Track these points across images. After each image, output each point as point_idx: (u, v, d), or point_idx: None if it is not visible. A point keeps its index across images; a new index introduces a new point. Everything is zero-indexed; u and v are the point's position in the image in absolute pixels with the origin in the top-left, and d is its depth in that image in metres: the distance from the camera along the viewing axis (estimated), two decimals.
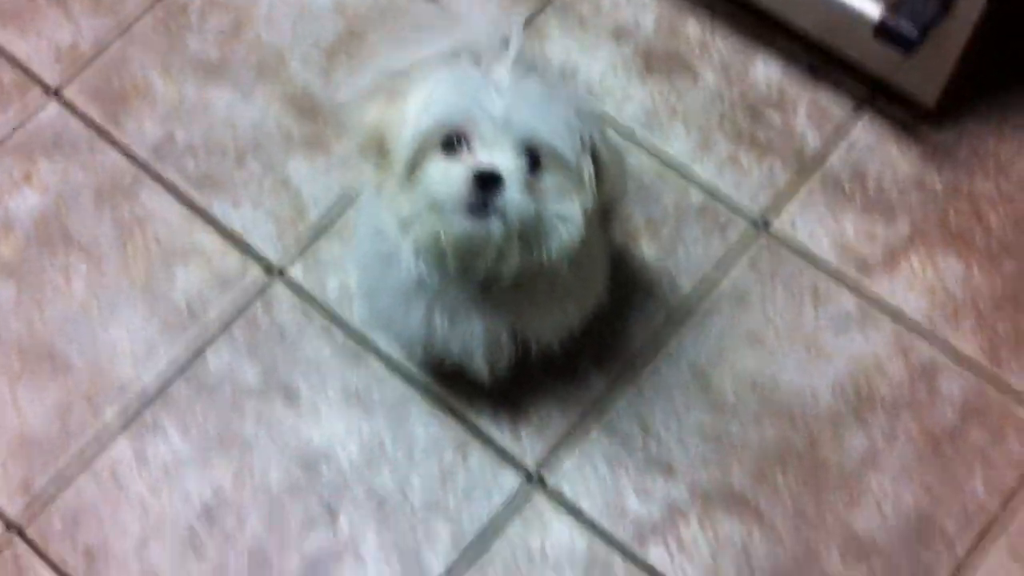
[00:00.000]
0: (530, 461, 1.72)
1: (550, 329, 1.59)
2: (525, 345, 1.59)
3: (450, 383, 1.77)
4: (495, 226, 1.28)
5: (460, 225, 1.30)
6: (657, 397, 1.75)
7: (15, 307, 1.88)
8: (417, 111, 1.33)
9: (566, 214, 1.35)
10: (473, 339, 1.52)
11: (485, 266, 1.36)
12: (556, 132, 1.31)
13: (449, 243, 1.32)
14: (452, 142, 1.31)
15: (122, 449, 1.77)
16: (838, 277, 1.83)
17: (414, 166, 1.34)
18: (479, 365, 1.58)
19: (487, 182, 1.26)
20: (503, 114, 1.27)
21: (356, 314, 1.83)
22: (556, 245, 1.36)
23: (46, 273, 1.90)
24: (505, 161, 1.28)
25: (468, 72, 1.36)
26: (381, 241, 1.44)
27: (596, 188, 1.37)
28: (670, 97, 1.99)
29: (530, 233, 1.32)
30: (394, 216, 1.37)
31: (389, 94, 1.40)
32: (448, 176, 1.30)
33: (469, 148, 1.31)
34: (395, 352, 1.80)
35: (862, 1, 1.78)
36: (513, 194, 1.27)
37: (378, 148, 1.39)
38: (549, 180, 1.32)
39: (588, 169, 1.36)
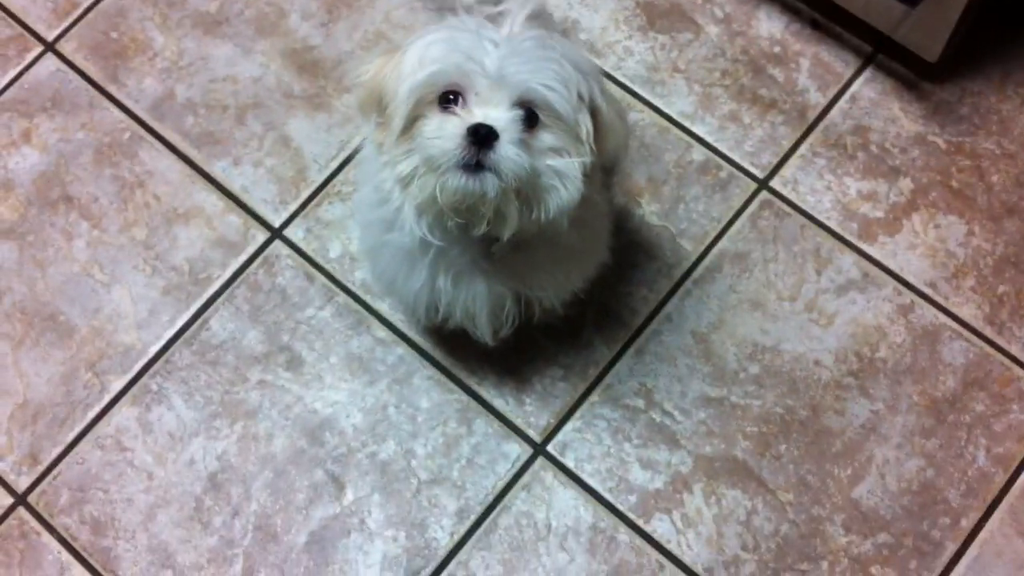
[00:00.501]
0: (534, 431, 1.56)
1: (553, 291, 1.43)
2: (529, 308, 1.43)
3: (453, 350, 1.60)
4: (490, 182, 1.15)
5: (455, 182, 1.15)
6: (659, 364, 1.58)
7: (17, 268, 1.69)
8: (412, 67, 1.18)
9: (564, 171, 1.19)
10: (476, 302, 1.37)
11: (484, 224, 1.21)
12: (551, 87, 1.16)
13: (445, 201, 1.17)
14: (448, 98, 1.17)
15: (126, 416, 1.60)
16: (840, 238, 1.65)
17: (411, 123, 1.19)
18: (482, 328, 1.42)
19: (481, 137, 1.13)
20: (497, 69, 1.15)
21: (358, 277, 1.64)
22: (554, 203, 1.20)
23: (47, 233, 1.71)
24: (500, 117, 1.15)
25: (463, 27, 1.20)
26: (382, 202, 1.29)
27: (596, 145, 1.21)
28: (672, 52, 1.78)
29: (527, 190, 1.18)
30: (394, 175, 1.22)
31: (387, 51, 1.25)
32: (443, 132, 1.16)
33: (465, 104, 1.16)
34: (398, 318, 1.61)
35: None
36: (508, 150, 1.14)
37: (378, 106, 1.24)
38: (546, 137, 1.18)
39: (586, 125, 1.20)
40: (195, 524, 1.53)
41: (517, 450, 1.55)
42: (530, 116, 1.17)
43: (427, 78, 1.17)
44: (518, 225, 1.21)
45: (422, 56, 1.18)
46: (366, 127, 1.34)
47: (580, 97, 1.19)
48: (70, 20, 1.85)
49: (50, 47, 1.83)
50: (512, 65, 1.15)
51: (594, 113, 1.21)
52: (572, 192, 1.20)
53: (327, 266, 1.67)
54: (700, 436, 1.54)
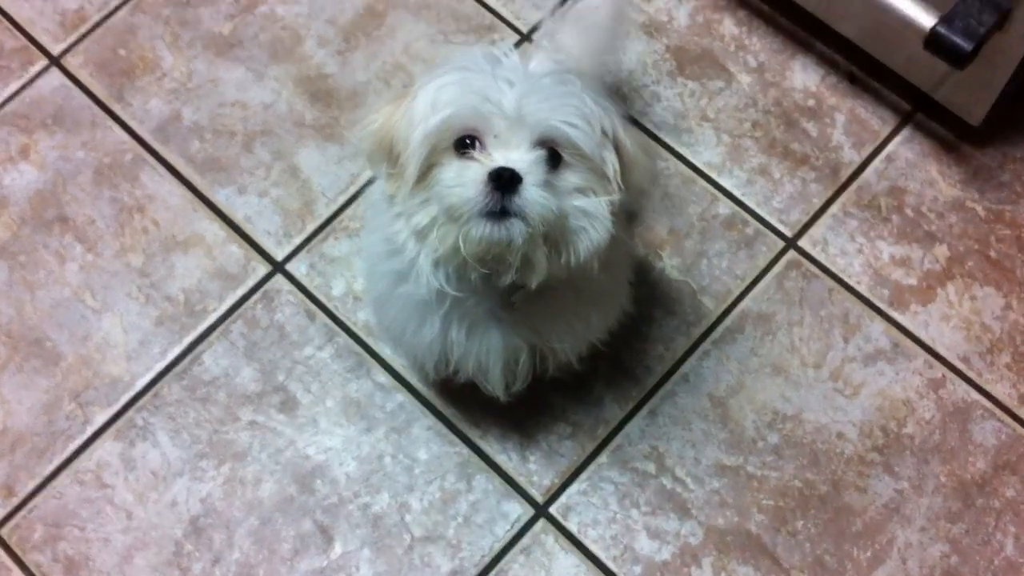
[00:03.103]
0: (537, 491, 1.52)
1: (571, 342, 1.37)
2: (543, 362, 1.38)
3: (456, 400, 1.56)
4: (516, 229, 1.11)
5: (479, 231, 1.11)
6: (673, 427, 1.54)
7: (6, 289, 1.67)
8: (424, 113, 1.14)
9: (592, 211, 1.16)
10: (490, 355, 1.32)
11: (510, 274, 1.16)
12: (573, 124, 1.12)
13: (469, 251, 1.13)
14: (465, 143, 1.13)
15: (108, 451, 1.57)
16: (870, 304, 1.61)
17: (426, 171, 1.15)
18: (495, 382, 1.37)
19: (504, 182, 1.10)
20: (515, 109, 1.11)
21: (361, 318, 1.61)
22: (584, 245, 1.16)
23: (39, 254, 1.69)
24: (522, 159, 1.11)
25: (477, 68, 1.16)
26: (393, 253, 1.25)
27: (622, 181, 1.18)
28: (701, 100, 1.75)
29: (555, 234, 1.14)
30: (409, 226, 1.18)
31: (395, 97, 1.22)
32: (462, 179, 1.12)
33: (483, 148, 1.13)
34: (399, 363, 1.58)
35: (914, 9, 1.53)
36: (533, 193, 1.10)
37: (388, 155, 1.20)
38: (571, 176, 1.15)
39: (612, 162, 1.17)
40: (173, 570, 1.49)
41: (518, 510, 1.51)
42: (553, 156, 1.14)
43: (441, 123, 1.13)
44: (547, 271, 1.17)
45: (434, 100, 1.15)
46: (374, 175, 1.32)
47: (604, 133, 1.16)
48: (78, 35, 1.83)
49: (55, 61, 1.81)
50: (531, 103, 1.12)
51: (617, 148, 1.18)
52: (601, 233, 1.16)
53: (329, 304, 1.63)
54: (713, 506, 1.50)
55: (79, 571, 1.50)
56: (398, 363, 1.59)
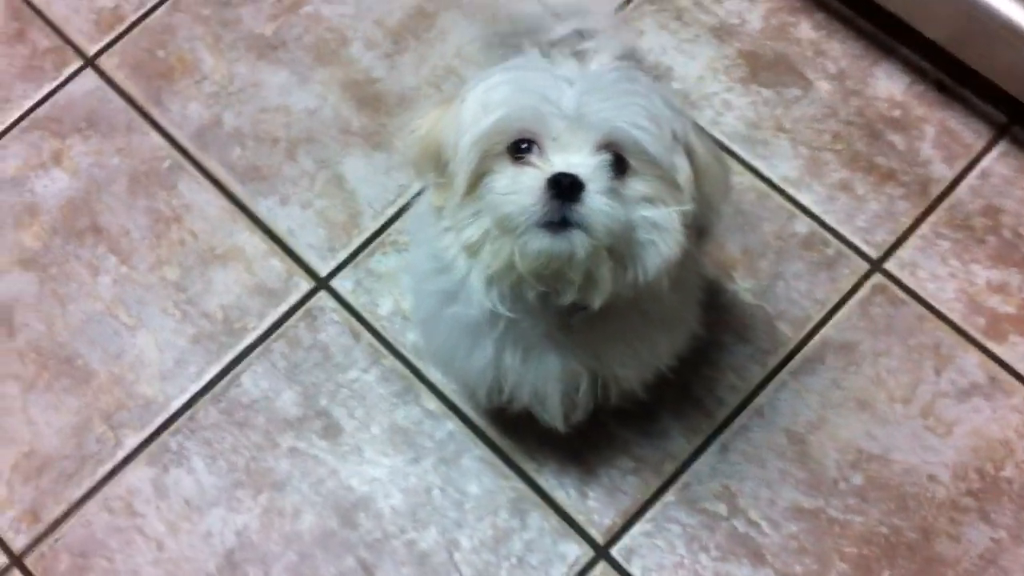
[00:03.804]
0: (597, 531, 1.42)
1: (636, 368, 1.27)
2: (605, 390, 1.28)
3: (510, 430, 1.47)
4: (579, 241, 1.02)
5: (537, 244, 1.02)
6: (747, 465, 1.44)
7: (36, 303, 1.60)
8: (475, 115, 1.06)
9: (661, 223, 1.06)
10: (548, 382, 1.23)
11: (572, 292, 1.07)
12: (641, 126, 1.03)
13: (526, 267, 1.04)
14: (520, 147, 1.05)
15: (140, 477, 1.49)
16: (964, 334, 1.49)
17: (477, 180, 1.07)
18: (553, 412, 1.28)
19: (565, 189, 1.01)
20: (575, 108, 1.03)
21: (410, 339, 1.51)
22: (653, 261, 1.07)
23: (71, 266, 1.61)
24: (583, 163, 1.02)
25: (532, 66, 1.09)
26: (441, 271, 1.16)
27: (694, 192, 1.08)
28: (776, 108, 1.64)
29: (621, 248, 1.05)
30: (459, 242, 1.09)
31: (443, 101, 1.13)
32: (518, 186, 1.03)
33: (541, 152, 1.04)
34: (451, 387, 1.48)
35: (1017, 11, 1.41)
36: (596, 202, 1.01)
37: (435, 163, 1.11)
38: (638, 184, 1.06)
39: (683, 169, 1.07)
40: None
41: (576, 551, 1.41)
42: (618, 161, 1.05)
43: (493, 125, 1.04)
44: (612, 290, 1.07)
45: (485, 101, 1.06)
46: (419, 184, 1.26)
47: (674, 137, 1.07)
48: (114, 34, 1.76)
49: (90, 62, 1.74)
50: (593, 102, 1.03)
51: (689, 154, 1.09)
52: (672, 247, 1.07)
53: (376, 324, 1.54)
54: (790, 553, 1.39)
55: None
56: (448, 388, 1.50)
